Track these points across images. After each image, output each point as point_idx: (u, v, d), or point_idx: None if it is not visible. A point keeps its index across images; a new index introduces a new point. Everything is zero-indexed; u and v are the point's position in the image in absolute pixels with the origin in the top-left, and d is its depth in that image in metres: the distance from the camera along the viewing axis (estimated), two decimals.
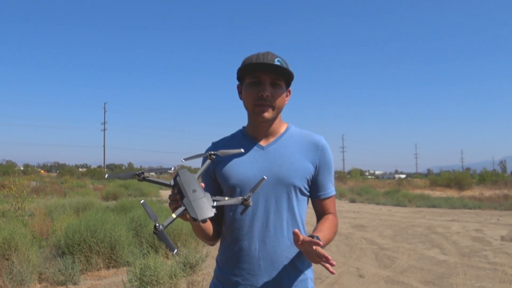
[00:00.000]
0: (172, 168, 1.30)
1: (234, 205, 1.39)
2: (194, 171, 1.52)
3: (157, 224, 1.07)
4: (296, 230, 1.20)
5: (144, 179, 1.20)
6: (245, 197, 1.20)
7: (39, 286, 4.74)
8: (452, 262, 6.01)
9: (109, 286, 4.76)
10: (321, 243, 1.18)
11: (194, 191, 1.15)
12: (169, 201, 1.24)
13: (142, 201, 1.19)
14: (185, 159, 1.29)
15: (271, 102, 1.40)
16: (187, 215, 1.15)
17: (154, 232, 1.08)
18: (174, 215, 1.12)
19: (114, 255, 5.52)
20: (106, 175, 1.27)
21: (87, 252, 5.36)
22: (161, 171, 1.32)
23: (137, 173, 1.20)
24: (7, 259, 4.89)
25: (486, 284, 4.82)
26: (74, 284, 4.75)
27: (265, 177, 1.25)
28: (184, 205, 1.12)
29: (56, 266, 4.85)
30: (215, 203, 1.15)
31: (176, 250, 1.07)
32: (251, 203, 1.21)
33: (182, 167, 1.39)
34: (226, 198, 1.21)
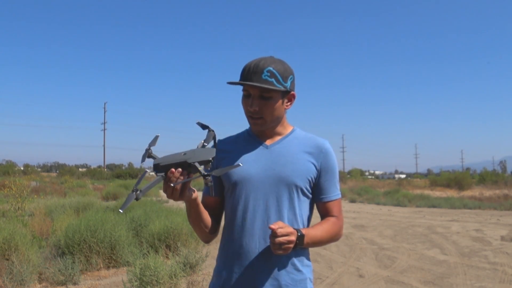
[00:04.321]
0: (147, 171, 1.30)
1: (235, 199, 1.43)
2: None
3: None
4: (277, 223, 1.26)
5: (141, 192, 1.15)
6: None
7: (39, 286, 4.73)
8: (452, 262, 6.01)
9: (109, 286, 4.76)
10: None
11: (185, 153, 1.15)
12: (167, 194, 1.23)
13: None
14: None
15: (259, 115, 1.41)
16: (199, 167, 1.14)
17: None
18: (204, 172, 1.14)
19: (114, 255, 5.52)
20: (120, 210, 1.15)
21: (87, 252, 5.36)
22: (142, 177, 1.27)
23: (133, 191, 1.15)
24: (7, 259, 4.89)
25: (486, 284, 4.81)
26: (74, 284, 4.74)
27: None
28: (191, 160, 1.12)
29: (56, 266, 4.84)
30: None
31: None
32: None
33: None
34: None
